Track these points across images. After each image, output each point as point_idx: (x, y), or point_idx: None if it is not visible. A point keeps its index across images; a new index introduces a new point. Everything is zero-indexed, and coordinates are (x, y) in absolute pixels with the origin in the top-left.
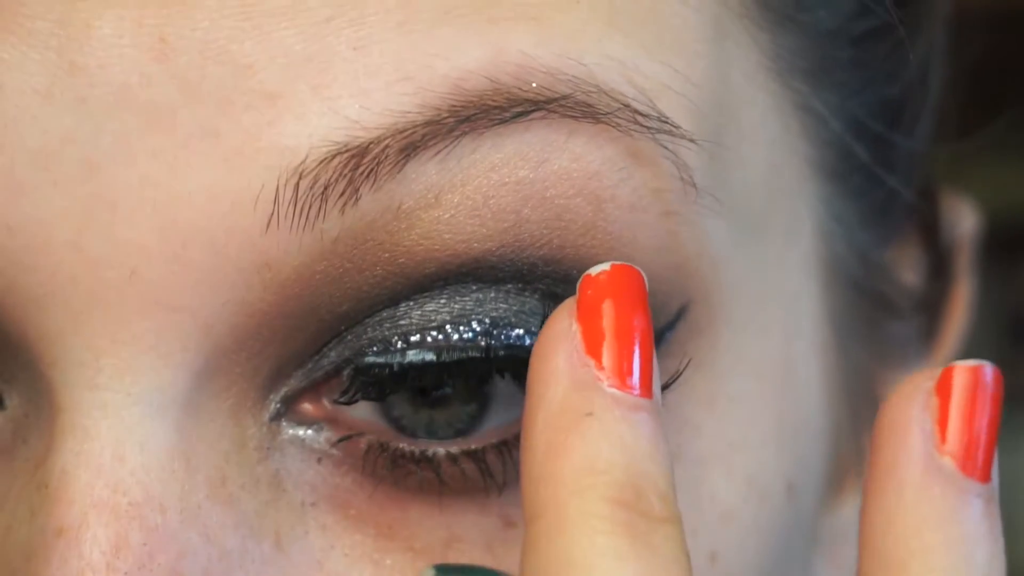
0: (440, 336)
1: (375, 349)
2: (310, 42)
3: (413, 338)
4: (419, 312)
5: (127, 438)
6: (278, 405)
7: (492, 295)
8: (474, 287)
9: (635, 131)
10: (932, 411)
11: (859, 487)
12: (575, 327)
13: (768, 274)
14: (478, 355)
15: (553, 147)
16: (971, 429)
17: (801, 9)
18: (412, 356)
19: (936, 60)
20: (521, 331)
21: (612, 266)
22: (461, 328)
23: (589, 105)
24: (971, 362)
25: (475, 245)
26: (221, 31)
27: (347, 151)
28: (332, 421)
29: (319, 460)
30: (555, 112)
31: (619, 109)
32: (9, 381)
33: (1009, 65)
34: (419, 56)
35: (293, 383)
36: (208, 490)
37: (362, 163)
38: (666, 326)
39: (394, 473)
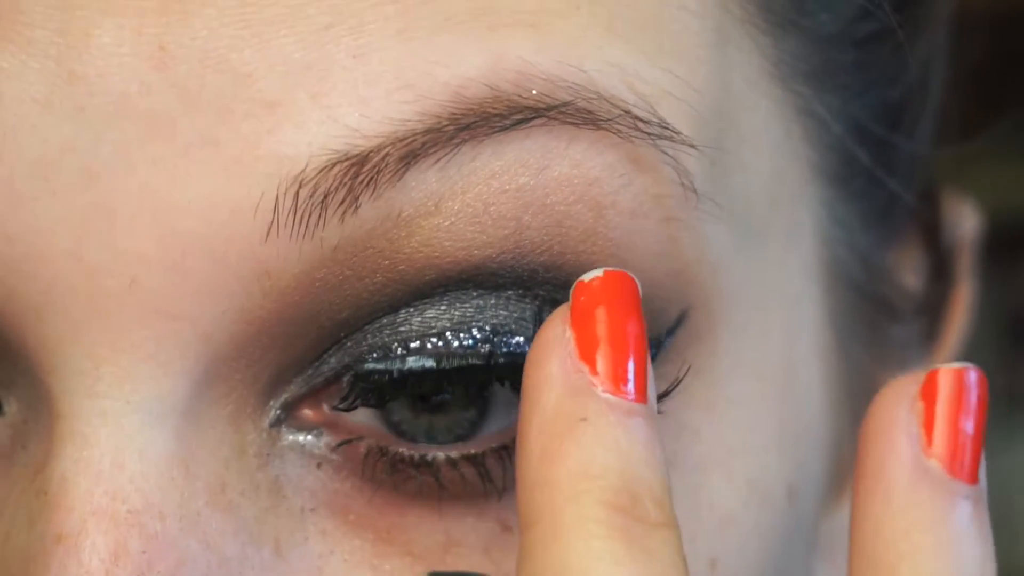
0: (440, 343)
1: (375, 356)
2: (309, 50)
3: (413, 344)
4: (419, 319)
5: (126, 445)
6: (278, 411)
7: (492, 302)
8: (474, 294)
9: (636, 137)
10: (918, 414)
11: None
12: (568, 333)
13: (769, 278)
14: (478, 362)
15: (554, 154)
16: (957, 431)
17: (803, 13)
18: (412, 363)
19: (938, 62)
20: (521, 338)
21: (605, 272)
22: (461, 335)
23: (589, 112)
24: (955, 365)
25: (475, 252)
26: (220, 40)
27: (347, 159)
28: (332, 426)
29: (319, 465)
30: (555, 119)
31: (620, 115)
32: (8, 387)
33: (1011, 66)
34: (419, 64)
35: (293, 389)
36: (207, 497)
37: (362, 171)
38: (666, 332)
39: (393, 477)
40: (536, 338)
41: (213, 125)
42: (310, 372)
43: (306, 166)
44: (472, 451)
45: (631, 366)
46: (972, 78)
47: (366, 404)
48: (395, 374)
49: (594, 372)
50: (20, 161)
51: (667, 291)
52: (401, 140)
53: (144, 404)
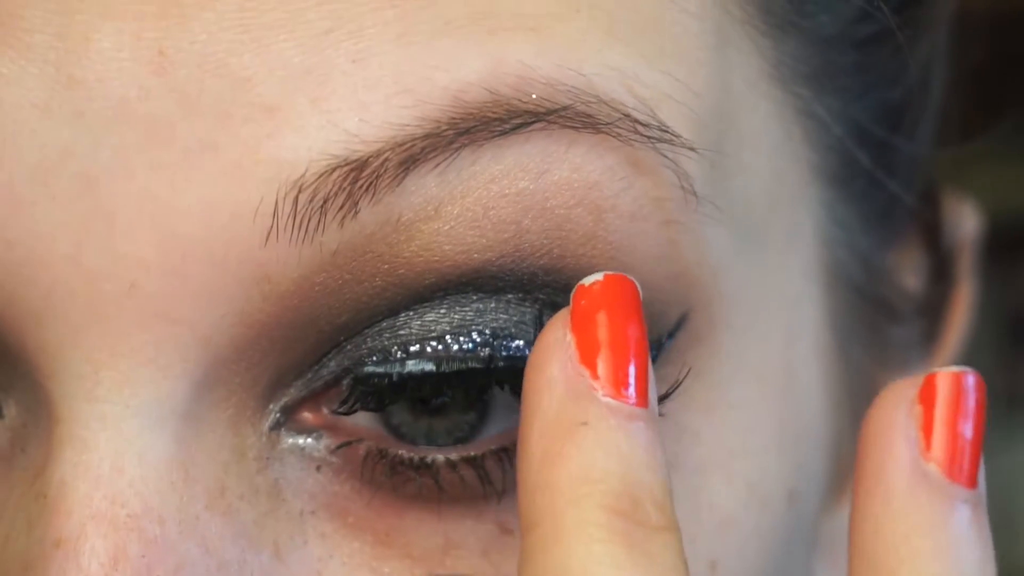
0: (440, 346)
1: (375, 359)
2: (309, 55)
3: (413, 348)
4: (419, 322)
5: (126, 449)
6: (277, 415)
7: (492, 305)
8: (474, 297)
9: (635, 141)
10: (916, 418)
11: None
12: (569, 337)
13: (769, 280)
14: (478, 366)
15: (553, 158)
16: (955, 435)
17: (803, 15)
18: (412, 366)
19: (938, 63)
20: (521, 342)
21: (605, 276)
22: (461, 338)
23: (589, 115)
24: (953, 369)
25: (475, 256)
26: (219, 44)
27: (346, 165)
28: (331, 428)
29: (318, 468)
30: (555, 123)
31: (619, 119)
32: (8, 391)
33: (1011, 67)
34: (418, 68)
35: (292, 393)
36: (207, 501)
37: (361, 177)
38: (666, 335)
39: (392, 480)
40: (537, 342)
41: (212, 130)
42: (310, 376)
43: (305, 171)
44: (472, 453)
45: (632, 370)
46: (972, 79)
47: (365, 408)
48: (395, 377)
49: (595, 376)
50: (19, 166)
51: (667, 294)
52: (400, 145)
53: (143, 408)
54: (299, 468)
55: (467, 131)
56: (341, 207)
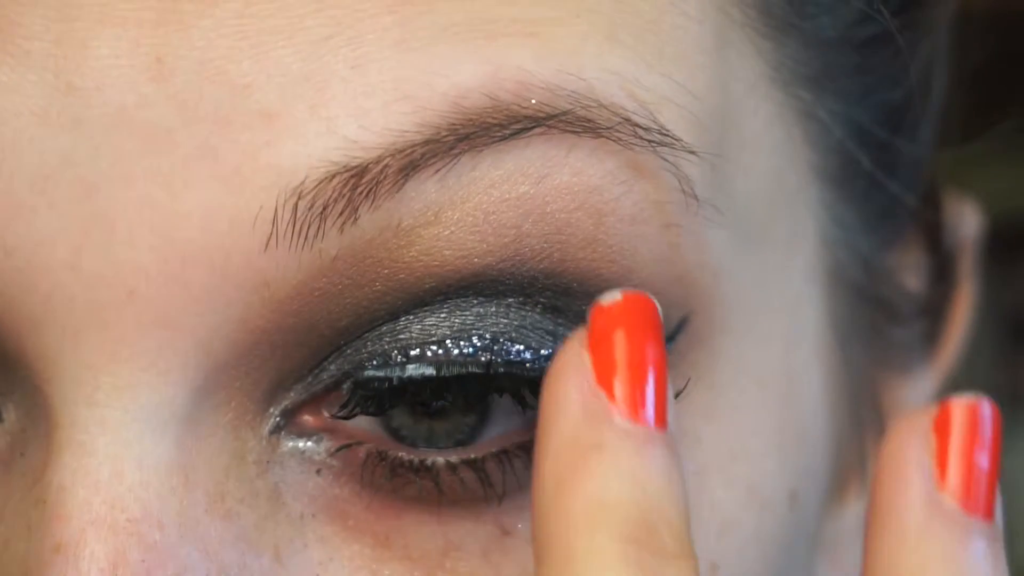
0: (440, 351)
1: (375, 363)
2: (308, 61)
3: (413, 352)
4: (419, 326)
5: (125, 454)
6: (277, 418)
7: (493, 309)
8: (475, 301)
9: (636, 144)
10: (931, 449)
11: (861, 492)
12: (586, 357)
13: (770, 281)
14: (478, 370)
15: (553, 162)
16: (971, 466)
17: (803, 17)
18: (412, 370)
19: (939, 64)
20: (521, 347)
21: (623, 294)
22: (461, 343)
23: (589, 120)
24: (968, 398)
25: (475, 260)
26: (218, 51)
27: (346, 171)
28: (331, 431)
29: (318, 471)
30: (555, 128)
31: (619, 123)
32: (7, 395)
33: (1012, 67)
34: (417, 74)
35: (293, 397)
36: (207, 505)
37: (361, 183)
38: (667, 338)
39: (392, 482)
40: (553, 362)
41: (211, 136)
42: (310, 380)
43: (305, 178)
44: (472, 456)
45: (650, 391)
46: (973, 79)
47: (366, 412)
48: (395, 381)
49: (611, 398)
50: (18, 173)
51: (668, 297)
52: (400, 151)
53: (143, 413)
54: (299, 471)
55: (467, 137)
56: (341, 213)
